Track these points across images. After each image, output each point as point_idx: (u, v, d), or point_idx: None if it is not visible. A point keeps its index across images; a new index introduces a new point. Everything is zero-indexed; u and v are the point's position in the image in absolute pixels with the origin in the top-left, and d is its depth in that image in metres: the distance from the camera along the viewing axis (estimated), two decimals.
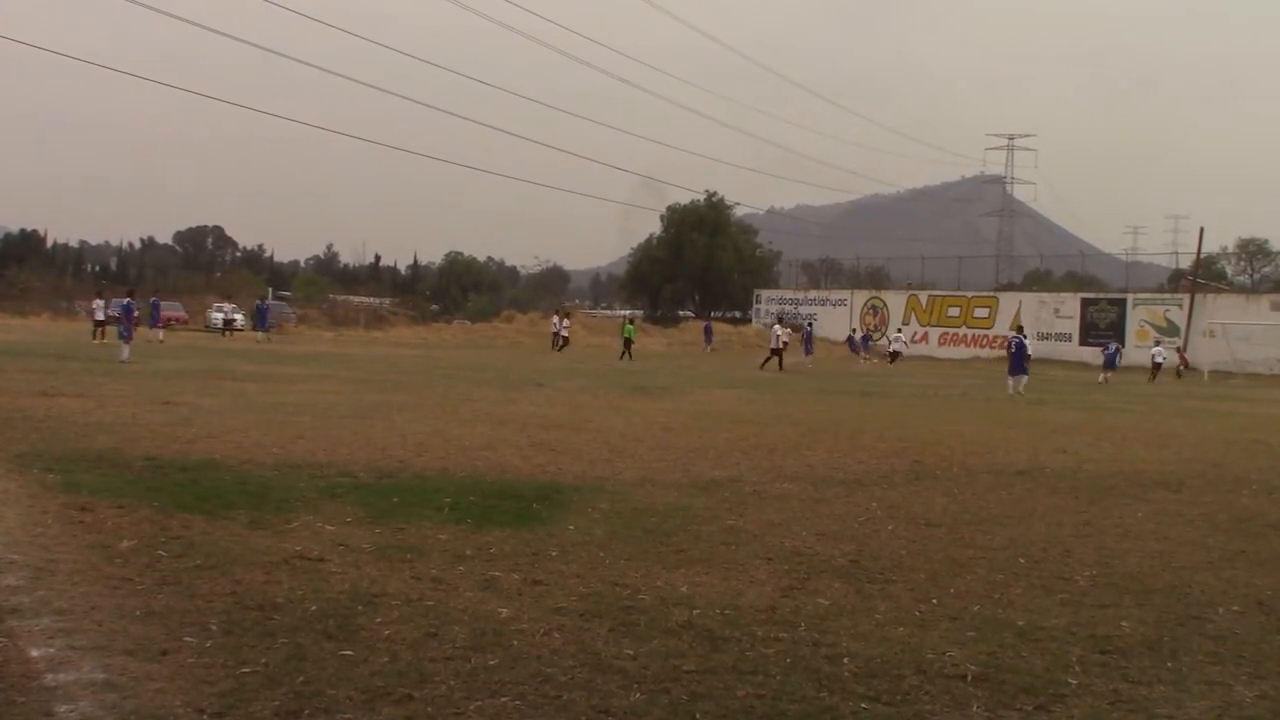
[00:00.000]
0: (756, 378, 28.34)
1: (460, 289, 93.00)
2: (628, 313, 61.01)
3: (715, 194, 69.26)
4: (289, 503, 7.46)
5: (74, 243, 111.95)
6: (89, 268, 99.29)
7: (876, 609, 5.40)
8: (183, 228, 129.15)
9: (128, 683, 3.88)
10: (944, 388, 27.14)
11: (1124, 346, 42.04)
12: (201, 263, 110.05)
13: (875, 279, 70.76)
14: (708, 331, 49.65)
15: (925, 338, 53.78)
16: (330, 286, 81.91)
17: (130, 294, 27.56)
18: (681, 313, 68.43)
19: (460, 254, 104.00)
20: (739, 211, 72.88)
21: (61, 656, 4.12)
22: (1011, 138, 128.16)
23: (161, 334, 33.71)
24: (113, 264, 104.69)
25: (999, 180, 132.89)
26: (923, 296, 56.07)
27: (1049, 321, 49.47)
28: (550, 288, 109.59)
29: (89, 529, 6.36)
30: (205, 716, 3.64)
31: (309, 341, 42.38)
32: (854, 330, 53.27)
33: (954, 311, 54.14)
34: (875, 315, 56.97)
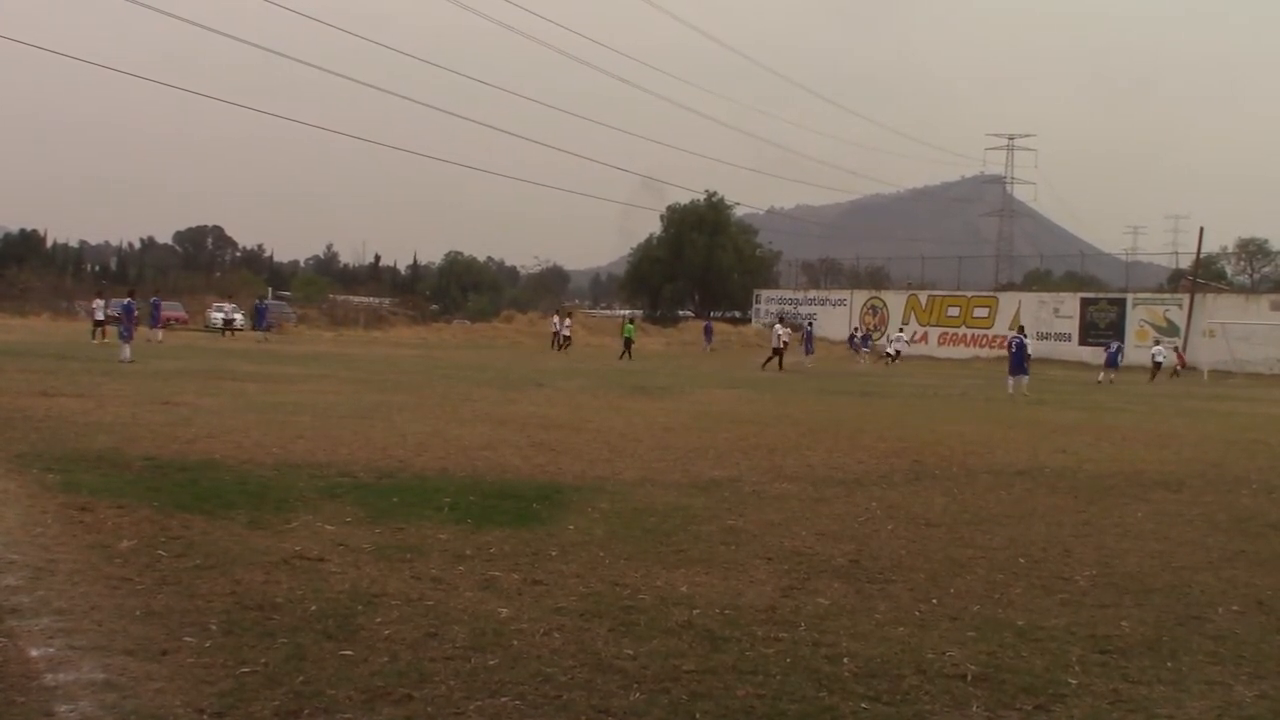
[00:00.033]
0: (756, 377, 28.34)
1: (460, 289, 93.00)
2: (627, 313, 61.01)
3: (715, 194, 69.36)
4: (289, 503, 7.46)
5: (74, 243, 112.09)
6: (89, 268, 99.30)
7: (876, 609, 5.40)
8: (183, 228, 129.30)
9: (127, 683, 3.88)
10: (944, 388, 27.14)
11: (1125, 346, 41.99)
12: (201, 263, 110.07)
13: (875, 279, 70.76)
14: (708, 331, 49.66)
15: (925, 338, 53.78)
16: (330, 286, 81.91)
17: (131, 294, 27.54)
18: (681, 313, 68.46)
19: (460, 254, 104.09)
20: (739, 211, 73.04)
21: (61, 656, 4.12)
22: (1011, 138, 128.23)
23: (160, 334, 33.68)
24: (113, 264, 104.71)
25: (999, 180, 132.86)
26: (922, 296, 56.08)
27: (1049, 321, 49.47)
28: (550, 288, 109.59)
29: (89, 529, 6.36)
30: (205, 716, 3.64)
31: (309, 341, 42.38)
32: (856, 330, 53.30)
33: (954, 311, 54.15)
34: (875, 315, 56.97)
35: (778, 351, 33.84)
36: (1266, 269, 71.06)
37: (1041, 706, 4.10)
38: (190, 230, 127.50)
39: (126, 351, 22.81)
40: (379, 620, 4.81)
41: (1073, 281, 61.43)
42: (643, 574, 5.91)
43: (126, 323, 24.22)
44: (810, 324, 47.32)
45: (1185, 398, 26.63)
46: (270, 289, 72.66)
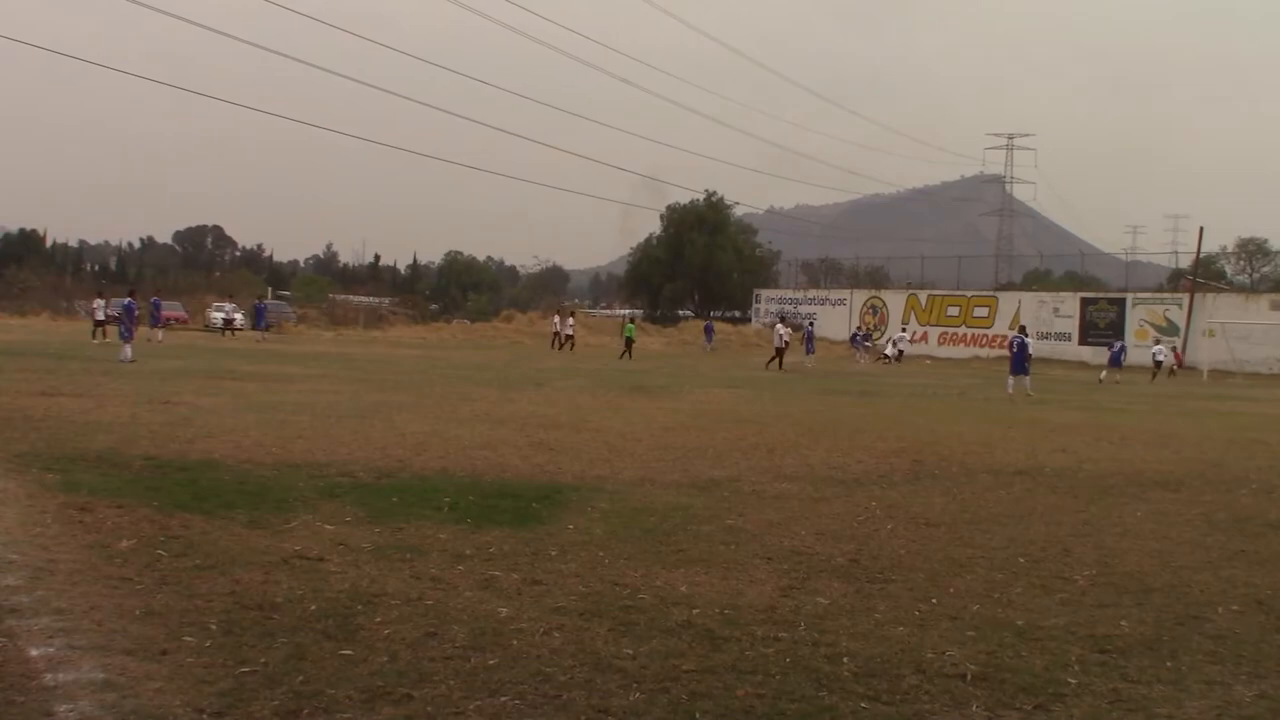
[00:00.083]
0: (756, 377, 28.34)
1: (460, 288, 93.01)
2: (627, 312, 61.02)
3: (715, 194, 69.38)
4: (288, 502, 7.46)
5: (73, 242, 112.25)
6: (89, 267, 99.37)
7: (876, 608, 5.40)
8: (182, 227, 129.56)
9: (127, 682, 3.87)
10: (943, 387, 27.14)
11: (1128, 345, 41.97)
12: (201, 262, 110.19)
13: (875, 279, 70.78)
14: (709, 331, 49.64)
15: (925, 337, 53.76)
16: (330, 286, 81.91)
17: (131, 294, 27.51)
18: (681, 312, 68.45)
19: (460, 254, 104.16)
20: (739, 211, 73.09)
21: (61, 656, 4.12)
22: (1011, 137, 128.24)
23: (160, 334, 33.67)
24: (112, 263, 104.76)
25: (999, 180, 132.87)
26: (922, 296, 56.06)
27: (1048, 321, 49.45)
28: (550, 287, 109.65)
29: (88, 529, 6.36)
30: (205, 716, 3.64)
31: (308, 341, 42.35)
32: (859, 329, 53.35)
33: (953, 311, 54.13)
34: (875, 315, 56.96)
35: (780, 351, 33.89)
36: (1266, 268, 71.04)
37: (1041, 706, 4.10)
38: (190, 230, 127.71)
39: (128, 351, 22.80)
40: (379, 620, 4.81)
41: (1072, 281, 61.46)
42: (642, 574, 5.91)
43: (127, 322, 24.21)
44: (811, 324, 47.32)
45: (1185, 397, 26.63)
46: (270, 289, 72.65)
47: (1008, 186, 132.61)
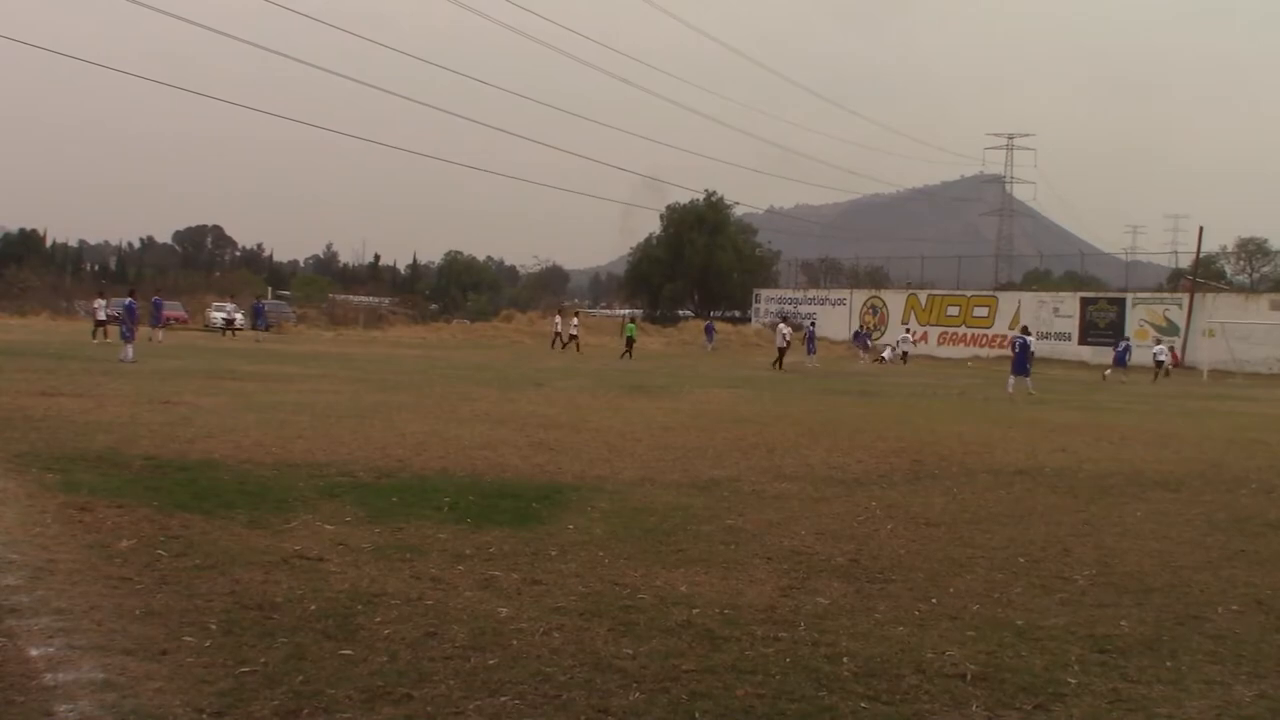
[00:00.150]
0: (756, 377, 28.34)
1: (460, 288, 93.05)
2: (628, 312, 61.02)
3: (715, 194, 69.37)
4: (288, 502, 7.46)
5: (73, 242, 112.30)
6: (88, 267, 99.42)
7: (876, 608, 5.40)
8: (182, 227, 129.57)
9: (127, 682, 3.87)
10: (943, 387, 27.14)
11: (1132, 345, 41.95)
12: (201, 262, 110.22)
13: (875, 278, 70.77)
14: (709, 330, 49.64)
15: (925, 337, 53.76)
16: (330, 286, 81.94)
17: (132, 293, 27.50)
18: (681, 312, 68.45)
19: (460, 253, 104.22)
20: (738, 211, 73.06)
21: (61, 656, 4.12)
22: (1011, 137, 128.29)
23: (160, 334, 33.67)
24: (112, 263, 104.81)
25: (999, 180, 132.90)
26: (922, 296, 56.04)
27: (1048, 321, 49.42)
28: (550, 287, 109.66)
29: (88, 528, 6.36)
30: (205, 716, 3.64)
31: (308, 341, 42.34)
32: (862, 328, 53.38)
33: (953, 311, 54.12)
34: (875, 315, 56.96)
35: (782, 351, 33.93)
36: (1266, 268, 71.00)
37: (1041, 706, 4.10)
38: (190, 230, 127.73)
39: (129, 351, 22.80)
40: (378, 620, 4.81)
41: (1072, 281, 61.45)
42: (642, 574, 5.91)
43: (129, 322, 24.20)
44: (812, 324, 47.32)
45: (1185, 397, 26.63)
46: (270, 289, 72.65)
47: (1008, 186, 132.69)
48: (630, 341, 38.20)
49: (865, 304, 57.85)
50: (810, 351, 38.41)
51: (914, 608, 5.44)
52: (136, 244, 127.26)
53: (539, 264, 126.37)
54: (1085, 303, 49.42)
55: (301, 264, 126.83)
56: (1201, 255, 50.40)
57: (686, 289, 69.67)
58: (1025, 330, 27.24)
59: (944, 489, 9.47)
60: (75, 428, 10.91)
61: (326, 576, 5.53)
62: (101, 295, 35.35)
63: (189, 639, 4.40)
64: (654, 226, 71.86)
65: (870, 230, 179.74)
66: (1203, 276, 50.63)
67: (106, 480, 7.97)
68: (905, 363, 43.88)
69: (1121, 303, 48.27)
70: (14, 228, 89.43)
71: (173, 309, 46.16)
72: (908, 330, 51.13)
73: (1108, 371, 34.83)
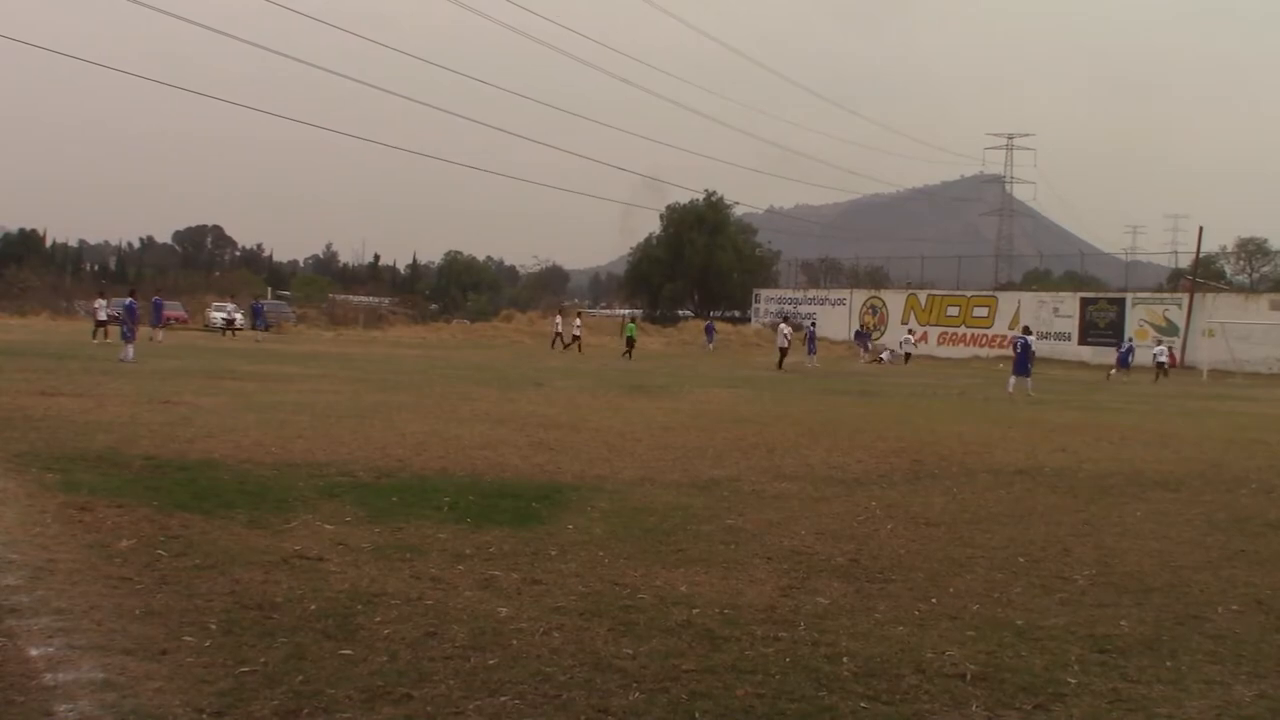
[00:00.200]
0: (756, 377, 28.34)
1: (459, 288, 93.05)
2: (628, 312, 61.03)
3: (715, 193, 69.38)
4: (288, 502, 7.46)
5: (73, 242, 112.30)
6: (88, 267, 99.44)
7: (876, 608, 5.40)
8: (182, 227, 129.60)
9: (127, 682, 3.87)
10: (943, 387, 27.14)
11: (1135, 346, 41.94)
12: (201, 262, 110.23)
13: (874, 278, 70.76)
14: (710, 330, 49.65)
15: (925, 337, 53.76)
16: (330, 286, 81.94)
17: (132, 294, 27.49)
18: (681, 312, 68.46)
19: (459, 253, 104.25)
20: (738, 211, 73.07)
21: (60, 656, 4.12)
22: (1011, 137, 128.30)
23: (160, 334, 33.68)
24: (112, 263, 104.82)
25: (998, 180, 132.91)
26: (922, 296, 56.04)
27: (1048, 321, 49.41)
28: (550, 287, 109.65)
29: (88, 528, 6.36)
30: (204, 716, 3.64)
31: (308, 341, 42.35)
32: (863, 327, 53.41)
33: (953, 311, 54.13)
34: (875, 315, 56.96)
35: (783, 351, 33.95)
36: (1266, 268, 71.02)
37: (1041, 706, 4.10)
38: (189, 230, 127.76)
39: (129, 351, 22.80)
40: (378, 620, 4.81)
41: (1072, 281, 61.45)
42: (642, 573, 5.91)
43: (129, 323, 24.20)
44: (813, 324, 47.33)
45: (1185, 397, 26.63)
46: (270, 289, 72.64)
47: (1007, 186, 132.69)
48: (631, 341, 38.22)
49: (865, 304, 57.84)
50: (811, 351, 38.43)
51: (914, 608, 5.44)
52: (136, 244, 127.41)
53: (539, 264, 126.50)
54: (1085, 303, 49.42)
55: (301, 264, 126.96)
56: (1201, 255, 50.44)
57: (686, 289, 69.68)
58: (1027, 330, 27.23)
59: (944, 489, 9.47)
60: (75, 428, 10.91)
61: (326, 576, 5.53)
62: (102, 295, 35.34)
63: (189, 639, 4.40)
64: (654, 226, 71.97)
65: (870, 230, 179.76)
66: (1202, 276, 50.64)
67: (106, 480, 7.97)
68: (907, 363, 43.97)
69: (1121, 303, 48.27)
70: (14, 228, 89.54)
71: (173, 309, 46.16)
72: (910, 331, 51.15)
73: (1112, 371, 34.98)
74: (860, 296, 59.00)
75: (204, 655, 4.21)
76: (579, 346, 39.97)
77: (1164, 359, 38.58)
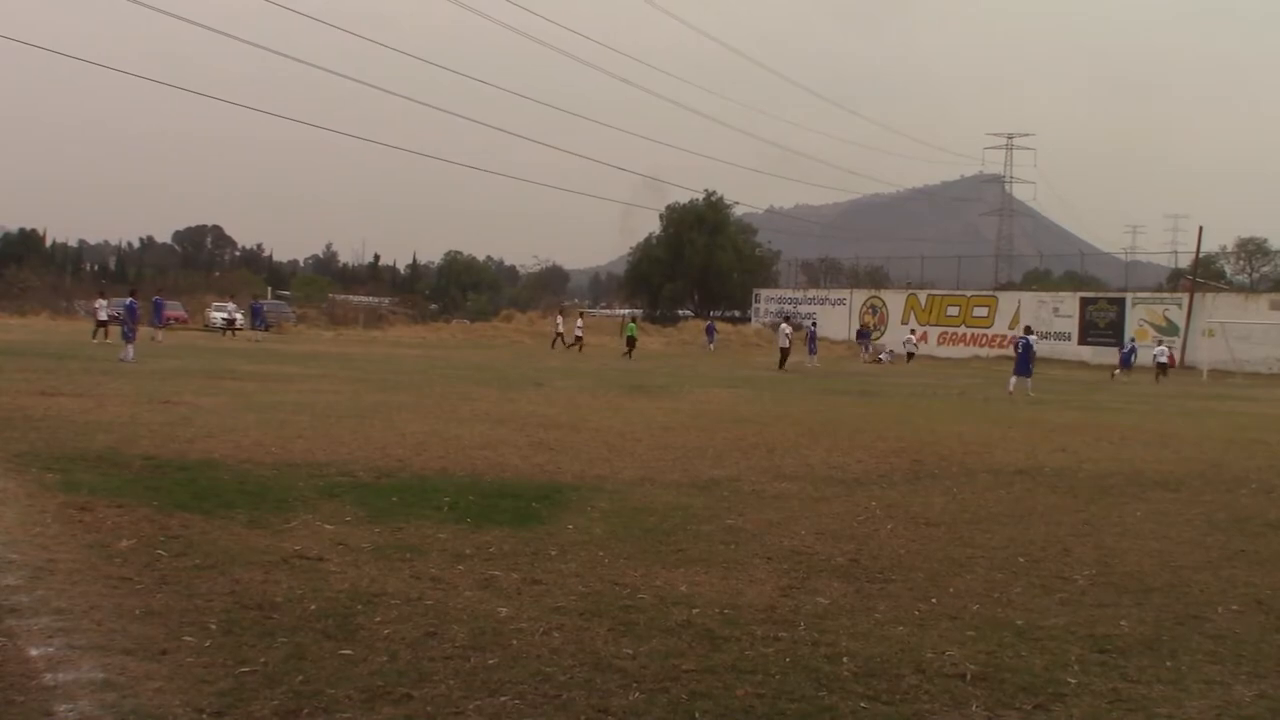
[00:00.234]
0: (756, 377, 28.34)
1: (459, 288, 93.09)
2: (628, 312, 61.02)
3: (714, 193, 69.38)
4: (288, 502, 7.46)
5: (73, 242, 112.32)
6: (88, 267, 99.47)
7: (876, 608, 5.40)
8: (182, 227, 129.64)
9: (127, 682, 3.87)
10: (943, 387, 27.14)
11: (1138, 346, 41.92)
12: (200, 262, 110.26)
13: (874, 278, 70.77)
14: (710, 330, 49.64)
15: (925, 337, 53.76)
16: (329, 286, 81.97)
17: (133, 293, 27.49)
18: (681, 312, 68.46)
19: (459, 253, 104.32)
20: (738, 211, 73.05)
21: (60, 655, 4.12)
22: (1011, 137, 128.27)
23: (160, 334, 33.69)
24: (112, 263, 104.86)
25: (998, 180, 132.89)
26: (922, 296, 56.03)
27: (1048, 321, 49.38)
28: (550, 287, 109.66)
29: (88, 528, 6.36)
30: (204, 716, 3.64)
31: (308, 341, 42.34)
32: (864, 328, 53.44)
33: (953, 311, 54.11)
34: (874, 315, 56.95)
35: (784, 351, 33.96)
36: (1266, 268, 71.02)
37: (1041, 706, 4.10)
38: (189, 230, 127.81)
39: (130, 351, 22.80)
40: (378, 620, 4.81)
41: (1072, 281, 61.46)
42: (642, 573, 5.91)
43: (130, 323, 24.19)
44: (814, 324, 47.36)
45: (1185, 397, 26.63)
46: (270, 289, 72.62)
47: (1007, 186, 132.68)
48: (631, 341, 38.22)
49: (865, 304, 57.83)
50: (812, 351, 38.43)
51: (914, 608, 5.44)
52: (136, 244, 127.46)
53: (539, 264, 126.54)
54: (1085, 303, 49.40)
55: (301, 264, 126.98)
56: (1201, 255, 50.42)
57: (686, 289, 69.68)
58: (1028, 330, 27.24)
59: (944, 489, 9.47)
60: (75, 427, 10.91)
61: (326, 576, 5.53)
62: (103, 295, 35.36)
63: (189, 639, 4.40)
64: (654, 226, 71.94)
65: (870, 230, 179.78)
66: (1202, 276, 50.64)
67: (106, 480, 7.97)
68: (910, 362, 44.11)
69: (1121, 303, 48.26)
70: (14, 228, 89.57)
71: (173, 309, 46.17)
72: (912, 331, 51.15)
73: (1116, 372, 35.16)
74: (860, 296, 58.98)
75: (204, 655, 4.21)
76: (579, 347, 39.94)
77: (1164, 360, 38.61)
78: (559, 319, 45.38)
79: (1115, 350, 42.70)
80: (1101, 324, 47.93)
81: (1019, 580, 6.13)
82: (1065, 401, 23.14)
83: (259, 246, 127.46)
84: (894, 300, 57.05)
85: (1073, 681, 4.37)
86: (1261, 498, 9.72)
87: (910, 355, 45.73)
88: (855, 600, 5.56)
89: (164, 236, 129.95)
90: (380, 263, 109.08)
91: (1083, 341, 48.18)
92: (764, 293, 64.86)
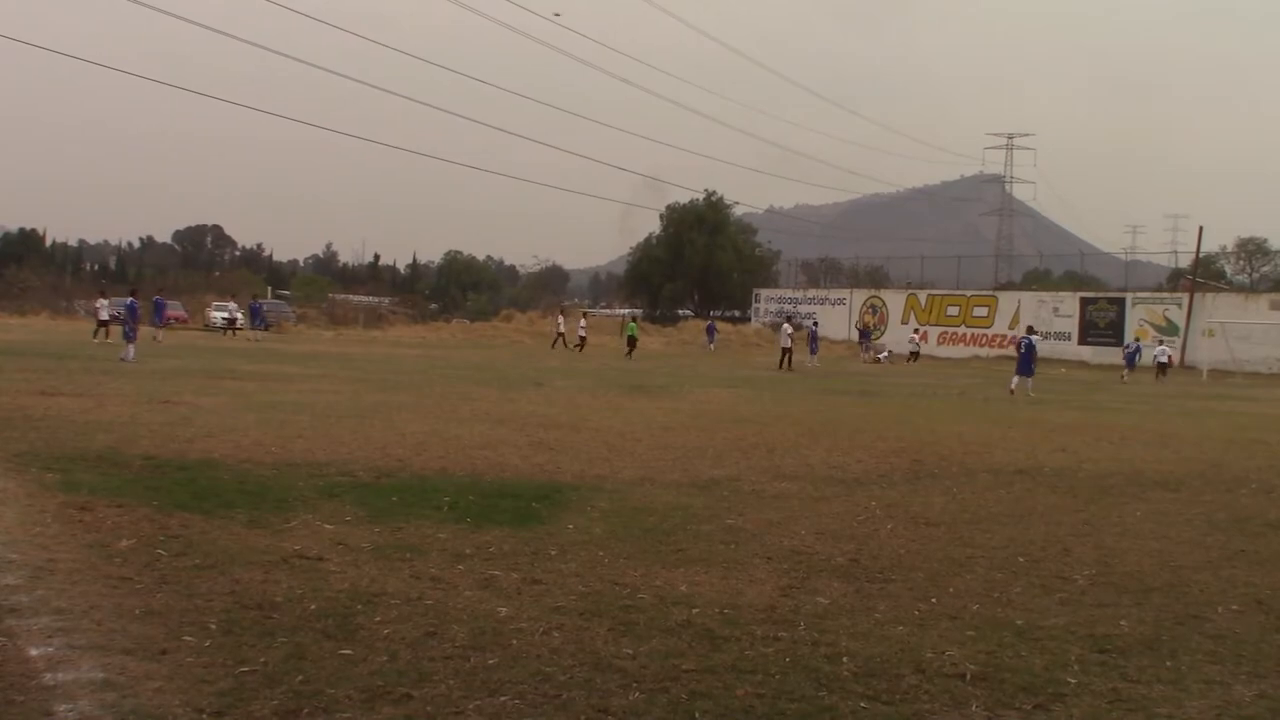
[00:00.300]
0: (756, 377, 28.34)
1: (459, 288, 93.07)
2: (629, 311, 61.02)
3: (715, 193, 69.38)
4: (288, 502, 7.46)
5: (73, 242, 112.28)
6: (88, 267, 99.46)
7: (876, 608, 5.40)
8: (182, 227, 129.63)
9: (127, 682, 3.87)
10: (943, 387, 27.14)
11: (1141, 346, 41.90)
12: (200, 262, 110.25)
13: (874, 278, 70.76)
14: (710, 330, 49.62)
15: (925, 337, 53.76)
16: (329, 286, 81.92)
17: (134, 293, 27.47)
18: (681, 312, 68.45)
19: (459, 253, 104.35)
20: (738, 211, 73.03)
21: (60, 655, 4.12)
22: (1011, 137, 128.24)
23: (160, 334, 33.70)
24: (112, 263, 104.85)
25: (998, 180, 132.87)
26: (921, 296, 56.01)
27: (1048, 321, 49.35)
28: (550, 287, 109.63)
29: (88, 528, 6.36)
30: (204, 716, 3.64)
31: (308, 341, 42.33)
32: (864, 328, 53.46)
33: (953, 311, 54.10)
34: (874, 315, 56.94)
35: (786, 351, 33.96)
36: (1266, 268, 71.01)
37: (1041, 706, 4.10)
38: (189, 229, 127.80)
39: (130, 351, 22.80)
40: (378, 619, 4.81)
41: (1072, 281, 61.46)
42: (642, 573, 5.91)
43: (131, 323, 24.19)
44: (815, 324, 47.35)
45: (1185, 397, 26.63)
46: (270, 288, 72.62)
47: (1007, 186, 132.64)
48: (632, 341, 38.22)
49: (865, 304, 57.81)
50: (813, 351, 38.44)
51: (914, 608, 5.44)
52: (136, 244, 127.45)
53: (539, 264, 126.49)
54: (1085, 302, 49.39)
55: (301, 264, 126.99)
56: (1201, 255, 50.39)
57: (686, 289, 69.68)
58: (1031, 330, 27.24)
59: (944, 489, 9.47)
60: (75, 427, 10.91)
61: (326, 576, 5.53)
62: (104, 295, 35.37)
63: (189, 639, 4.40)
64: (654, 226, 71.92)
65: (870, 230, 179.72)
66: (1202, 276, 50.62)
67: (106, 480, 7.97)
68: (914, 361, 44.19)
69: (1121, 302, 48.25)
70: (14, 227, 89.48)
71: (174, 309, 46.17)
72: (915, 332, 51.16)
73: (1125, 373, 35.44)
74: (860, 296, 58.96)
75: (204, 655, 4.21)
76: (580, 347, 39.91)
77: (1165, 360, 38.60)
78: (560, 319, 45.35)
79: (1116, 350, 42.67)
80: (1101, 324, 47.92)
81: (1019, 580, 6.13)
82: (1065, 401, 23.14)
83: (259, 246, 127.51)
84: (894, 300, 57.03)
85: (1073, 681, 4.37)
86: (1261, 498, 9.72)
87: (914, 355, 45.76)
88: (855, 600, 5.56)
89: (164, 236, 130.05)
90: (380, 262, 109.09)
91: (1083, 341, 48.16)
92: (764, 293, 64.85)
